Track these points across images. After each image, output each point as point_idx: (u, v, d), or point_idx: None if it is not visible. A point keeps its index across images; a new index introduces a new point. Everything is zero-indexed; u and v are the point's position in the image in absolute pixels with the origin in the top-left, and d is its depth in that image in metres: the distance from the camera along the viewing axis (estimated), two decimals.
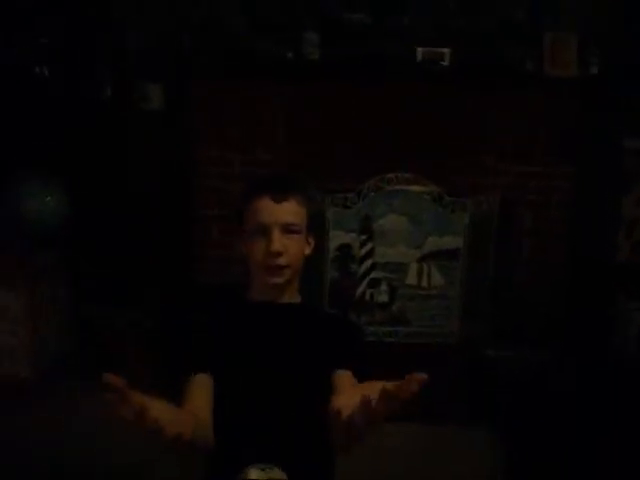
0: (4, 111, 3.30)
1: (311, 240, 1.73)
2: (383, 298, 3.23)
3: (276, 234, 1.60)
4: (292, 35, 3.16)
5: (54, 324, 3.22)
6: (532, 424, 2.85)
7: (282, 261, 1.61)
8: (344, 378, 1.54)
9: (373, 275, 3.21)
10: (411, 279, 3.22)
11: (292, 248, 1.62)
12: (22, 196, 3.23)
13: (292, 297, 1.71)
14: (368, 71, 3.17)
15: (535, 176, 3.27)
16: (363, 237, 3.18)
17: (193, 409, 1.46)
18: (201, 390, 1.54)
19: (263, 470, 1.41)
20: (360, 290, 3.22)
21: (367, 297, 3.23)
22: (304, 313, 1.71)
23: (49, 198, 3.24)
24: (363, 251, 3.19)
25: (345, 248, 3.19)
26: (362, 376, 1.50)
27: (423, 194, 3.16)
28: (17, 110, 3.31)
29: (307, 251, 1.70)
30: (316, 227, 3.11)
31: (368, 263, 3.20)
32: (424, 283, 3.22)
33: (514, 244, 3.26)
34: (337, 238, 3.19)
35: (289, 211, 1.63)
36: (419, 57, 3.19)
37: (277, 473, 1.42)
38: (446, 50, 3.17)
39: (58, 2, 3.23)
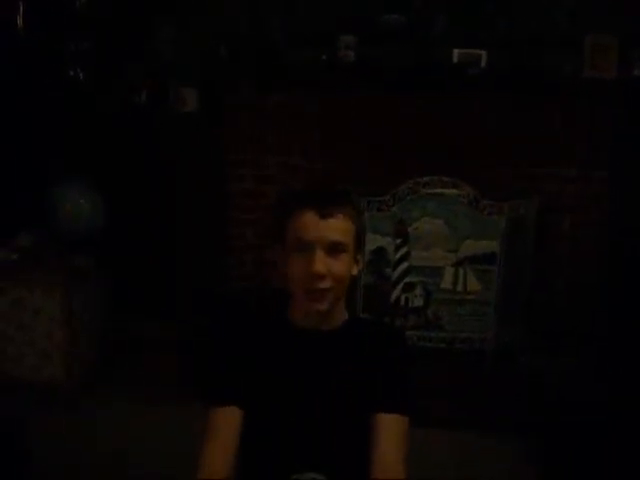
0: (40, 115, 3.37)
1: (360, 258, 1.55)
2: (418, 302, 3.20)
3: (319, 254, 1.43)
4: (327, 38, 3.18)
5: (89, 329, 3.26)
6: (567, 433, 2.79)
7: (325, 284, 1.44)
8: (385, 423, 1.44)
9: (408, 279, 3.18)
10: (446, 283, 3.18)
11: (337, 269, 1.45)
12: (58, 199, 3.29)
13: (337, 319, 1.55)
14: (404, 75, 3.17)
15: (572, 181, 3.23)
16: (398, 240, 3.16)
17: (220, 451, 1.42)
18: (229, 425, 1.46)
19: None
20: (395, 294, 3.20)
21: (402, 301, 3.20)
22: (349, 341, 1.53)
23: (83, 201, 3.30)
24: (398, 255, 3.16)
25: (380, 252, 3.17)
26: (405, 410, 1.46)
27: (459, 197, 3.12)
28: (52, 114, 3.39)
29: (355, 271, 1.53)
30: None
31: (403, 267, 3.17)
32: (459, 287, 3.18)
33: (551, 249, 3.21)
34: (372, 242, 3.16)
35: (336, 228, 1.45)
36: (455, 59, 3.17)
37: None
38: (482, 52, 3.14)
39: (94, 4, 3.30)
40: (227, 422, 1.46)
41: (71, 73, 3.31)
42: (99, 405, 3.05)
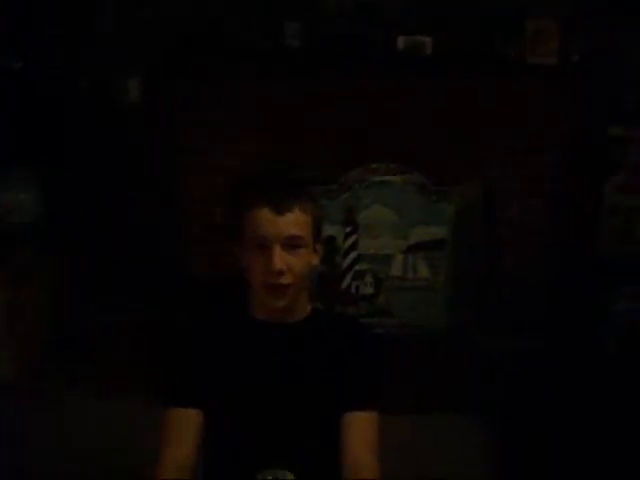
0: None
1: (319, 248, 1.54)
2: (368, 290, 3.21)
3: (277, 250, 1.39)
4: (272, 25, 3.13)
5: (36, 326, 3.17)
6: (521, 412, 2.85)
7: (285, 280, 1.40)
8: (356, 422, 1.43)
9: (358, 267, 3.19)
10: (396, 271, 3.19)
11: (296, 265, 1.42)
12: None
13: (300, 312, 1.51)
14: (350, 60, 3.15)
15: (519, 165, 3.26)
16: (347, 229, 3.16)
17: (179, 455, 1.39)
18: (188, 426, 1.43)
19: (276, 477, 1.35)
20: (345, 282, 3.20)
21: (352, 289, 3.20)
22: (313, 334, 1.50)
23: (23, 194, 3.19)
24: (348, 243, 3.16)
25: (330, 240, 3.16)
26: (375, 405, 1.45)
27: (407, 184, 3.14)
28: None
29: (315, 261, 1.51)
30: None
31: (353, 255, 3.18)
32: (410, 274, 3.20)
33: (499, 233, 3.26)
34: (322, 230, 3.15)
35: (293, 223, 1.42)
36: (400, 46, 3.17)
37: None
38: (428, 39, 3.15)
39: None
40: (185, 423, 1.42)
41: (12, 64, 3.18)
42: (49, 402, 2.96)
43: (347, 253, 3.17)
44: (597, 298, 3.23)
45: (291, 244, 1.42)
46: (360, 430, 1.42)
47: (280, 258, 1.40)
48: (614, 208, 3.30)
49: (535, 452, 2.62)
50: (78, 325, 3.21)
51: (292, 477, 1.38)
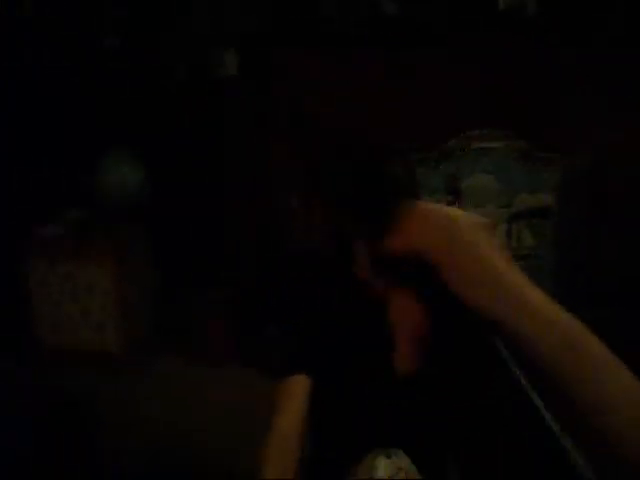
0: (78, 85, 3.33)
1: None
2: None
3: None
4: None
5: (141, 299, 3.27)
6: None
7: None
8: None
9: None
10: (500, 240, 3.10)
11: None
12: (102, 171, 3.27)
13: None
14: (448, 25, 3.06)
15: (623, 131, 3.08)
16: (449, 198, 3.08)
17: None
18: (299, 395, 1.42)
19: (389, 458, 1.33)
20: None
21: None
22: None
23: (127, 171, 3.27)
24: None
25: None
26: None
27: (511, 151, 3.03)
28: (90, 83, 3.34)
29: None
30: (407, 188, 3.09)
31: None
32: (514, 243, 3.10)
33: (607, 204, 3.11)
34: (423, 199, 3.09)
35: None
36: (501, 5, 3.05)
37: (404, 459, 1.34)
38: None
39: None
40: (297, 392, 1.42)
41: (107, 42, 3.25)
42: (154, 373, 3.06)
43: None
44: None
45: None
46: None
47: None
48: None
49: None
50: (179, 299, 3.30)
51: (407, 460, 1.35)
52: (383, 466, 1.30)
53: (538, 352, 0.62)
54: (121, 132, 3.33)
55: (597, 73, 3.06)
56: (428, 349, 0.63)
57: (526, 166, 3.03)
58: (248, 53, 3.25)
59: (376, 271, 0.67)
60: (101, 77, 3.33)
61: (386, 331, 1.44)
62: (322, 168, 1.50)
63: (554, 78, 3.09)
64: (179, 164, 3.34)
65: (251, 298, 3.14)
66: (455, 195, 3.08)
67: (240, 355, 3.12)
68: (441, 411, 1.12)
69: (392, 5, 3.09)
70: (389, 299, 0.67)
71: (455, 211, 0.71)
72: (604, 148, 3.04)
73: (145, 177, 3.28)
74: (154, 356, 3.13)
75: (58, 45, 3.28)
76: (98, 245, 3.13)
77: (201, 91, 3.32)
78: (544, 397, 0.57)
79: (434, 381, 0.68)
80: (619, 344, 2.18)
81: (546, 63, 3.08)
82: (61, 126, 3.32)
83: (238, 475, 2.03)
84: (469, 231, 0.67)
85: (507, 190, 3.05)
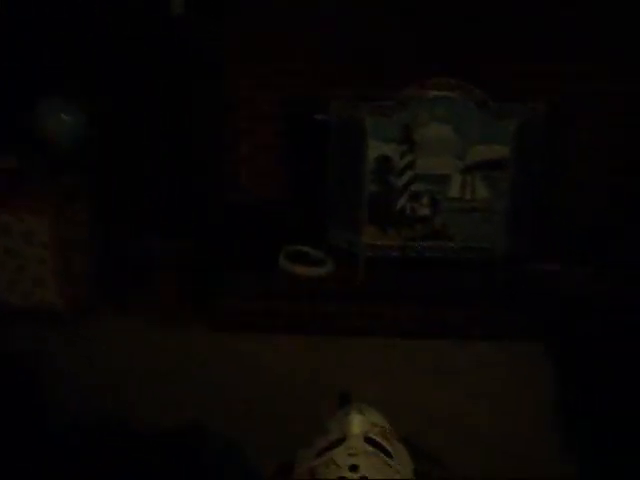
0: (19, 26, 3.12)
1: None
2: (424, 212, 3.08)
3: None
4: None
5: (83, 251, 3.11)
6: (577, 337, 2.76)
7: None
8: None
9: (414, 188, 3.05)
10: (454, 191, 3.05)
11: None
12: (39, 116, 3.09)
13: None
14: None
15: (586, 78, 3.05)
16: (404, 147, 3.01)
17: None
18: None
19: (363, 414, 1.27)
20: (400, 204, 3.07)
21: (408, 211, 3.08)
22: None
23: (66, 117, 3.09)
24: (403, 162, 3.02)
25: (384, 159, 3.02)
26: None
27: (467, 100, 2.96)
28: (33, 24, 3.13)
29: None
30: (354, 137, 3.01)
31: (409, 175, 3.04)
32: (468, 195, 3.06)
33: (562, 155, 3.09)
34: (376, 149, 3.01)
35: None
36: None
37: (376, 415, 1.29)
38: None
39: None
40: None
41: None
42: (97, 327, 2.95)
43: (403, 173, 3.03)
44: None
45: None
46: None
47: None
48: None
49: (592, 375, 2.54)
50: (124, 250, 3.17)
51: (380, 416, 1.30)
52: (357, 422, 1.23)
53: None
54: (60, 76, 3.14)
55: (552, 24, 3.01)
56: None
57: (481, 117, 2.96)
58: None
59: None
60: (44, 18, 3.12)
61: None
62: None
63: (510, 29, 3.03)
64: (124, 111, 3.17)
65: (203, 249, 3.04)
66: (410, 145, 3.00)
67: (191, 307, 3.03)
68: None
69: None
70: None
71: None
72: (560, 98, 3.01)
73: (87, 123, 3.10)
74: (97, 311, 3.01)
75: None
76: (35, 194, 2.96)
77: (148, 32, 3.14)
78: None
79: None
80: (568, 298, 2.15)
81: (502, 14, 3.01)
82: None
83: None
84: None
85: (462, 141, 3.00)
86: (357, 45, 3.07)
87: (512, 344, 2.79)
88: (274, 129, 3.22)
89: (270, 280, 3.06)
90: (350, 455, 1.19)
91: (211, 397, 2.47)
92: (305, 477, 1.19)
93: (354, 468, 1.16)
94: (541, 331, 2.80)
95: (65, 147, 3.11)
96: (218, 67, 3.11)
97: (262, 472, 1.60)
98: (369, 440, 1.23)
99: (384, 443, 1.25)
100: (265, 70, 3.14)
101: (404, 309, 2.95)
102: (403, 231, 3.09)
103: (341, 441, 1.23)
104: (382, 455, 1.22)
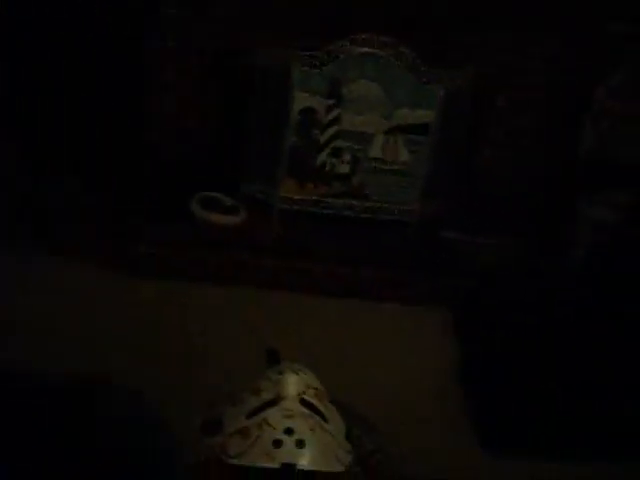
0: None
1: None
2: (344, 169, 3.04)
3: None
4: None
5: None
6: (486, 309, 2.82)
7: None
8: None
9: (336, 144, 3.00)
10: (375, 151, 3.02)
11: None
12: None
13: None
14: None
15: (513, 51, 3.07)
16: (330, 102, 2.94)
17: None
18: None
19: (297, 374, 1.22)
20: (321, 158, 3.02)
21: (327, 167, 3.03)
22: None
23: None
24: (329, 117, 2.96)
25: (309, 112, 2.95)
26: None
27: (397, 60, 2.91)
28: None
29: None
30: (279, 87, 2.92)
31: (332, 130, 2.98)
32: (389, 157, 3.04)
33: (485, 124, 3.12)
34: (301, 100, 2.93)
35: None
36: None
37: (311, 376, 1.25)
38: None
39: None
40: None
41: None
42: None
43: (327, 127, 2.97)
44: (571, 201, 3.15)
45: None
46: None
47: None
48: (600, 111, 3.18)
49: (501, 348, 2.61)
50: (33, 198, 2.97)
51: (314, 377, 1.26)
52: (293, 383, 1.19)
53: None
54: None
55: None
56: None
57: (410, 79, 2.94)
58: None
59: None
60: None
61: None
62: None
63: None
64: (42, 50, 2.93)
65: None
66: (336, 99, 2.94)
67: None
68: None
69: None
70: None
71: None
72: (489, 64, 3.01)
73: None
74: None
75: None
76: None
77: None
78: None
79: None
80: (478, 267, 2.17)
81: None
82: None
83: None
84: None
85: (389, 101, 2.96)
86: None
87: (420, 309, 2.82)
88: (195, 74, 3.06)
89: (182, 227, 2.95)
90: (285, 417, 1.15)
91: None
92: (236, 438, 1.14)
93: (289, 431, 1.13)
94: (449, 299, 2.85)
95: None
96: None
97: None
98: (304, 402, 1.20)
99: (319, 405, 1.21)
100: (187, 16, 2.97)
101: (317, 265, 2.92)
102: (321, 188, 3.04)
103: (275, 402, 1.19)
104: (318, 418, 1.19)
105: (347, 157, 3.02)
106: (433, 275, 2.92)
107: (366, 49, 2.89)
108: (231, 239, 2.95)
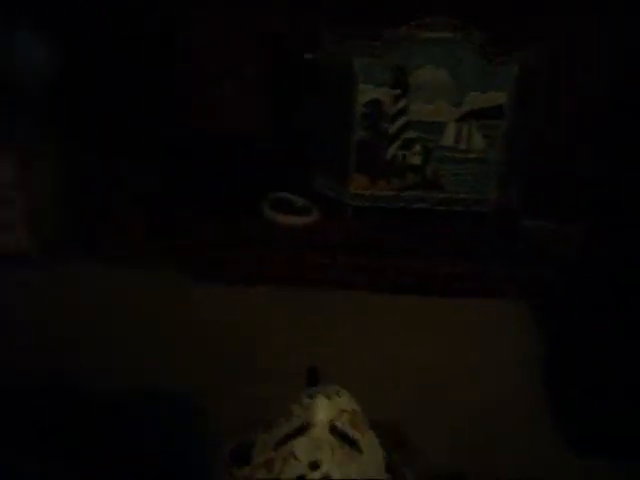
0: None
1: None
2: (416, 160, 2.93)
3: None
4: None
5: (52, 192, 2.95)
6: (569, 297, 2.66)
7: None
8: None
9: (406, 135, 2.89)
10: (448, 140, 2.89)
11: None
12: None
13: None
14: None
15: (588, 29, 2.86)
16: (397, 92, 2.84)
17: None
18: None
19: (330, 399, 1.16)
20: (391, 151, 2.92)
21: (399, 159, 2.93)
22: None
23: (30, 48, 2.89)
24: (396, 108, 2.85)
25: (375, 104, 2.85)
26: None
27: (464, 42, 2.78)
28: None
29: None
30: (343, 79, 2.84)
31: (401, 121, 2.87)
32: (462, 145, 2.90)
33: (560, 106, 2.92)
34: (366, 93, 2.84)
35: None
36: None
37: (346, 399, 1.18)
38: None
39: None
40: None
41: None
42: (68, 269, 2.81)
43: (395, 119, 2.86)
44: None
45: None
46: None
47: None
48: None
49: (583, 335, 2.44)
50: (93, 196, 3.02)
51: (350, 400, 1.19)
52: (323, 408, 1.12)
53: None
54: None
55: None
56: None
57: (479, 61, 2.79)
58: None
59: None
60: None
61: None
62: None
63: None
64: (92, 41, 2.96)
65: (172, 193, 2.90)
66: (403, 89, 2.83)
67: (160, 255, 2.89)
68: None
69: None
70: None
71: None
72: (561, 43, 2.82)
73: (51, 54, 2.89)
74: (66, 257, 2.87)
75: None
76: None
77: None
78: None
79: None
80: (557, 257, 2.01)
81: None
82: None
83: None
84: None
85: (458, 86, 2.83)
86: None
87: (498, 302, 2.69)
88: (257, 67, 3.03)
89: (250, 227, 2.93)
90: (313, 448, 1.09)
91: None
92: (262, 472, 1.09)
93: (315, 466, 1.06)
94: (527, 290, 2.70)
95: (30, 81, 2.92)
96: None
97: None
98: (335, 429, 1.13)
99: (352, 432, 1.14)
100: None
101: (390, 262, 2.83)
102: (393, 180, 2.95)
103: (304, 429, 1.13)
104: (348, 448, 1.11)
105: (418, 148, 2.91)
106: (512, 267, 2.77)
107: (429, 34, 2.77)
108: (302, 239, 2.90)
